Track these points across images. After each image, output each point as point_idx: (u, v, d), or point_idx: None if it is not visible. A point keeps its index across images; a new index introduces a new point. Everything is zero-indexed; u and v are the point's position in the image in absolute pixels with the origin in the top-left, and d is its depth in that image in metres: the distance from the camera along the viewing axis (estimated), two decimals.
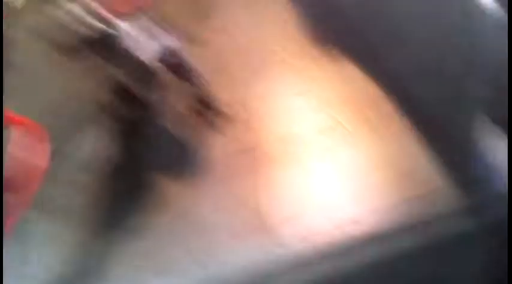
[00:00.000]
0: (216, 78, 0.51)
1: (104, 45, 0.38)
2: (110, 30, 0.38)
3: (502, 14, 0.58)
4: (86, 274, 0.38)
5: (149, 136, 0.46)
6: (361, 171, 0.42)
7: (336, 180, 0.42)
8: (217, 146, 0.48)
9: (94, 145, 0.49)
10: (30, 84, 0.54)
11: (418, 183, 0.41)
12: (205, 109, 0.51)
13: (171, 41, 0.47)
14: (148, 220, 0.40)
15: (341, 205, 0.39)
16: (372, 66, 0.54)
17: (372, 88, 0.51)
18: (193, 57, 0.48)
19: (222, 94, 0.52)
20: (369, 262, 0.37)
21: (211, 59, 0.53)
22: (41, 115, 0.47)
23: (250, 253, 0.37)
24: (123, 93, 0.45)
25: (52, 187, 0.45)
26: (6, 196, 0.41)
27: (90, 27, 0.35)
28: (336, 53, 0.56)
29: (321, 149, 0.44)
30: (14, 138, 0.46)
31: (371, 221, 0.38)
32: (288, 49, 0.57)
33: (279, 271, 0.36)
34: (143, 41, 0.45)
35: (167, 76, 0.42)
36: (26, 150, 0.42)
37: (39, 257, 0.39)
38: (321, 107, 0.49)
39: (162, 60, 0.43)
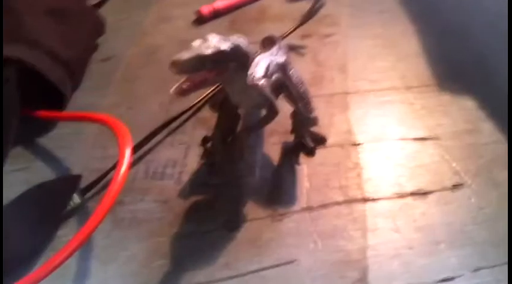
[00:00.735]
0: (317, 97, 0.47)
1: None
2: None
3: None
4: None
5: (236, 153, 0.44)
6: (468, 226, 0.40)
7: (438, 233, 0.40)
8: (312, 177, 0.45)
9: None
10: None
11: None
12: (305, 132, 0.46)
13: (277, 54, 0.42)
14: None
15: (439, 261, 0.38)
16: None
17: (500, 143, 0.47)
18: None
19: (323, 117, 0.48)
20: None
21: (310, 70, 0.51)
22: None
23: None
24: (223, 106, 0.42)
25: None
26: None
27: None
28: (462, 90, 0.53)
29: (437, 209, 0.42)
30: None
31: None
32: (406, 82, 0.54)
33: None
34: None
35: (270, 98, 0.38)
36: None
37: None
38: (443, 158, 0.45)
39: (266, 76, 0.38)
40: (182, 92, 0.34)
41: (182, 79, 0.34)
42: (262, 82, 0.38)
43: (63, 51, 0.49)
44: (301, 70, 0.45)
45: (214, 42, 0.33)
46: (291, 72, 0.42)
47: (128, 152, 0.40)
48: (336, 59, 0.58)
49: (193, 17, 0.67)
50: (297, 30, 0.63)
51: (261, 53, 0.41)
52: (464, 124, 0.49)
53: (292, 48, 0.58)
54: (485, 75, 0.54)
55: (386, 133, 0.49)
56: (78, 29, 0.54)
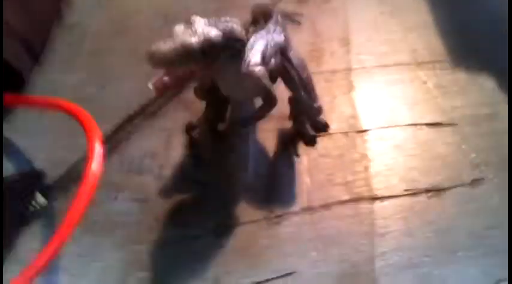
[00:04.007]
0: (316, 75, 0.40)
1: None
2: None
3: None
4: None
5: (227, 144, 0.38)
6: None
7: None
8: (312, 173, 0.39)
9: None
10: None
11: None
12: (305, 118, 0.39)
13: (274, 32, 0.34)
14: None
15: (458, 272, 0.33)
16: None
17: None
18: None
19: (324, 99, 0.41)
20: None
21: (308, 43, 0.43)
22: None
23: None
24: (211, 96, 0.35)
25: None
26: None
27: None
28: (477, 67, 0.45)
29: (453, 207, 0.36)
30: None
31: None
32: (417, 57, 0.47)
33: None
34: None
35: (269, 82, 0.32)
36: None
37: None
38: (460, 148, 0.39)
39: (263, 62, 0.31)
40: (163, 88, 0.27)
41: (162, 72, 0.27)
42: (259, 69, 0.31)
43: (19, 23, 0.41)
44: (297, 42, 0.39)
45: (201, 27, 0.27)
46: (291, 54, 0.35)
47: (98, 146, 0.34)
48: (337, 29, 0.51)
49: None
50: None
51: (254, 30, 0.34)
52: (483, 108, 0.43)
53: (286, 16, 0.50)
54: (505, 48, 0.47)
55: (395, 118, 0.43)
56: None
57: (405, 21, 0.51)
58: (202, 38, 0.26)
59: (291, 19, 0.50)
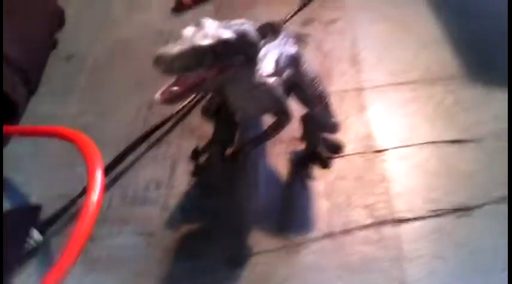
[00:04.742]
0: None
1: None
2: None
3: None
4: None
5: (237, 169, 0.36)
6: None
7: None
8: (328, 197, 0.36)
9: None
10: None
11: None
12: (318, 139, 0.37)
13: (286, 43, 0.33)
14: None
15: None
16: None
17: None
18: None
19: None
20: None
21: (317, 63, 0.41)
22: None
23: None
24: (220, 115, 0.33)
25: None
26: None
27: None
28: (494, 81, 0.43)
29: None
30: None
31: None
32: (430, 73, 0.45)
33: None
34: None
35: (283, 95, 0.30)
36: None
37: None
38: (484, 164, 0.37)
39: (276, 72, 0.29)
40: (172, 98, 0.25)
41: (169, 81, 0.25)
42: (272, 81, 0.29)
43: (15, 50, 0.40)
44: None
45: (212, 29, 0.25)
46: (304, 67, 0.33)
47: (99, 175, 0.31)
48: (345, 48, 0.49)
49: (171, 4, 0.56)
50: (296, 15, 0.54)
51: (266, 42, 0.32)
52: (504, 122, 0.41)
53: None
54: None
55: (413, 137, 0.41)
56: (32, 20, 0.45)
57: (415, 37, 0.49)
58: (214, 39, 0.24)
59: (297, 39, 0.48)
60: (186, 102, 0.42)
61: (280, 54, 0.31)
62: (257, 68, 0.28)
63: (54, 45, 0.49)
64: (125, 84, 0.46)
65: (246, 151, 0.33)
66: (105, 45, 0.51)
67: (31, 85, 0.43)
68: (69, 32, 0.53)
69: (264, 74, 0.29)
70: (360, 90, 0.45)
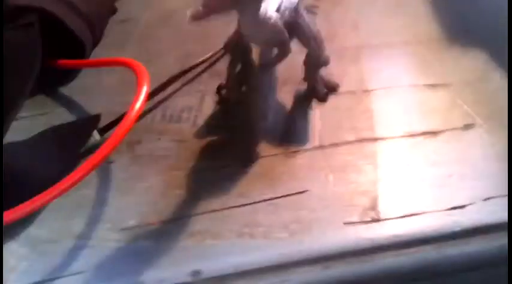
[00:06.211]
0: (329, 52, 0.48)
1: None
2: None
3: None
4: None
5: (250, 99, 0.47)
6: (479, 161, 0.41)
7: (450, 168, 0.40)
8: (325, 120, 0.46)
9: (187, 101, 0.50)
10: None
11: None
12: (317, 79, 0.48)
13: None
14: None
15: (450, 191, 0.38)
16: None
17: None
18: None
19: (335, 68, 0.50)
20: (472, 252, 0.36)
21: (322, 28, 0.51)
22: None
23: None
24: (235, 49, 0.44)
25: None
26: None
27: None
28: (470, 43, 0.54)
29: (448, 147, 0.42)
30: None
31: (482, 210, 0.37)
32: (417, 37, 0.56)
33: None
34: None
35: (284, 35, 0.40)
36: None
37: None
38: (454, 102, 0.46)
39: (278, 12, 0.40)
40: (198, 16, 0.35)
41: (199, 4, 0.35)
42: (275, 16, 0.39)
43: (83, 5, 0.51)
44: None
45: None
46: (302, 12, 0.43)
47: (144, 89, 0.42)
48: (348, 17, 0.59)
49: None
50: None
51: None
52: (474, 73, 0.50)
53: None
54: (494, 31, 0.54)
55: (397, 80, 0.50)
56: None
57: (409, 10, 0.59)
58: None
59: (307, 10, 0.58)
60: (213, 52, 0.53)
61: (282, 0, 0.41)
62: (262, 5, 0.38)
63: (114, 11, 0.61)
64: (167, 42, 0.57)
65: (255, 76, 0.43)
66: (154, 13, 0.63)
67: (96, 36, 0.54)
68: (126, 1, 0.65)
69: (268, 12, 0.39)
70: (358, 47, 0.54)
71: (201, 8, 0.35)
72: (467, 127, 0.44)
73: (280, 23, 0.40)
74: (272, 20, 0.39)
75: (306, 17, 0.43)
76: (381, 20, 0.58)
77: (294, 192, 0.40)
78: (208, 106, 0.48)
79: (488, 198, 0.39)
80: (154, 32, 0.60)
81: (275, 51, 0.43)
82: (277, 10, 0.40)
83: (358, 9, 0.61)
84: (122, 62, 0.45)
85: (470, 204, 0.38)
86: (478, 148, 0.43)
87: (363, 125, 0.45)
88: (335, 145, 0.44)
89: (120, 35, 0.59)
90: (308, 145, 0.44)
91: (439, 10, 0.59)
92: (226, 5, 0.36)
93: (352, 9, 0.61)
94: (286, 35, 0.41)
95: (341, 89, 0.49)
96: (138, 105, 0.40)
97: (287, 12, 0.41)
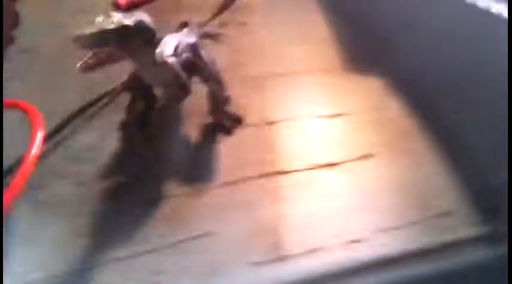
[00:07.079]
0: (234, 80, 0.48)
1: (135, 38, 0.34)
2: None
3: None
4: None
5: (154, 135, 0.46)
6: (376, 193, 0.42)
7: (349, 200, 0.42)
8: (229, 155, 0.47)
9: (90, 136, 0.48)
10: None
11: (433, 206, 0.42)
12: (222, 112, 0.48)
13: (187, 36, 0.45)
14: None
15: (349, 223, 0.40)
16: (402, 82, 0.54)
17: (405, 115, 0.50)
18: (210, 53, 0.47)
19: (239, 98, 0.50)
20: None
21: (227, 57, 0.50)
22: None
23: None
24: (136, 87, 0.43)
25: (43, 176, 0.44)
26: None
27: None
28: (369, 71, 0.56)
29: (347, 179, 0.44)
30: None
31: (379, 243, 0.39)
32: (320, 65, 0.57)
33: None
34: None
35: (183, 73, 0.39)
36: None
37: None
38: (354, 133, 0.48)
39: (175, 54, 0.39)
40: (88, 68, 0.34)
41: (88, 55, 0.34)
42: (172, 59, 0.39)
43: None
44: (217, 56, 0.47)
45: (117, 17, 0.34)
46: (202, 53, 0.44)
47: (39, 133, 0.40)
48: (253, 45, 0.60)
49: (110, 8, 0.67)
50: (215, 19, 0.65)
51: (171, 33, 0.42)
52: (373, 102, 0.53)
53: (209, 36, 0.59)
54: (389, 59, 0.58)
55: (299, 111, 0.52)
56: None
57: (313, 38, 0.62)
58: (117, 25, 0.34)
59: (213, 38, 0.59)
60: (115, 86, 0.52)
61: (180, 41, 0.41)
62: (158, 49, 0.38)
63: (12, 40, 0.58)
64: (69, 73, 0.54)
65: (157, 115, 0.43)
66: (55, 41, 0.61)
67: None
68: (25, 30, 0.62)
69: (165, 54, 0.38)
70: (261, 77, 0.56)
71: (89, 60, 0.34)
72: (364, 157, 0.47)
73: (177, 65, 0.40)
74: (169, 63, 0.39)
75: (205, 56, 0.44)
76: (285, 48, 0.60)
77: (198, 234, 0.40)
78: (110, 144, 0.47)
79: (384, 231, 0.41)
80: (56, 61, 0.58)
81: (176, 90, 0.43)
82: (175, 52, 0.40)
83: (263, 37, 0.62)
84: (13, 105, 0.43)
85: (367, 237, 0.41)
86: (374, 179, 0.45)
87: (266, 158, 0.47)
88: (240, 181, 0.45)
89: (22, 65, 0.56)
90: (213, 183, 0.44)
91: (340, 38, 0.62)
92: (118, 57, 0.36)
93: (257, 37, 0.62)
94: (184, 77, 0.41)
95: (246, 121, 0.50)
96: (33, 151, 0.39)
97: (184, 55, 0.41)
